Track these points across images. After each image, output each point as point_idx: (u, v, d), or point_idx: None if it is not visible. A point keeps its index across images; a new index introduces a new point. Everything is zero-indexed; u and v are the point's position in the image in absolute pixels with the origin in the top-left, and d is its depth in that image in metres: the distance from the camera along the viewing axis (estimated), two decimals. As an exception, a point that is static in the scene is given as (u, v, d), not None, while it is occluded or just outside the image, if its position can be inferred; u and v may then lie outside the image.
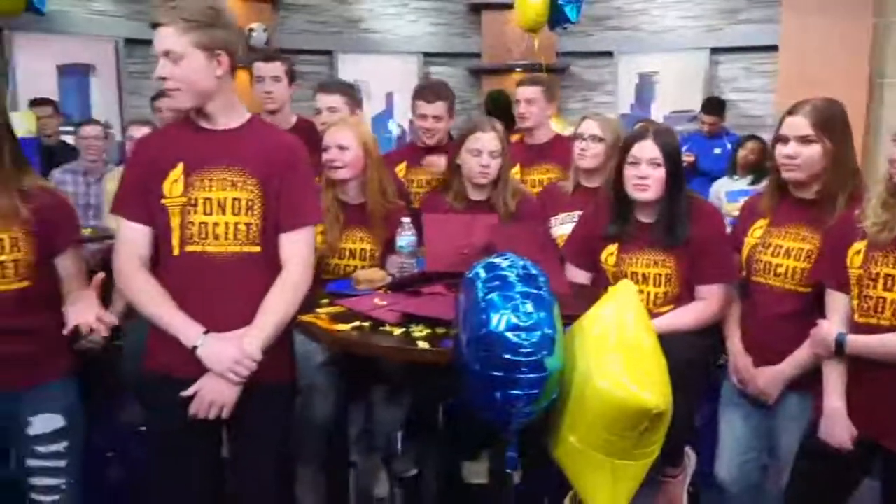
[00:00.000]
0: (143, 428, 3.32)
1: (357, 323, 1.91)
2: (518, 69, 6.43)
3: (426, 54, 6.98)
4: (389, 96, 7.01)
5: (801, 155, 1.91)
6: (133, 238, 1.79)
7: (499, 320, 1.49)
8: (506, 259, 1.63)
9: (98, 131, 4.29)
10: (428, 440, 2.54)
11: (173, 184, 1.77)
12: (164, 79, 1.71)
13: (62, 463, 1.92)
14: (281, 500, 1.98)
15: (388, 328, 1.88)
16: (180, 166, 1.77)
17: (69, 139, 4.85)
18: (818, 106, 1.92)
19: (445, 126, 3.11)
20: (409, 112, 6.77)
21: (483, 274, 1.60)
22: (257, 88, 3.04)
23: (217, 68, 1.73)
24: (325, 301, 2.10)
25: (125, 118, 5.51)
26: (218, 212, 1.76)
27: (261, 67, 3.02)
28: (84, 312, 1.80)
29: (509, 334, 1.48)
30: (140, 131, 3.90)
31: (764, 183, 2.27)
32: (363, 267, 2.43)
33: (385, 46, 6.93)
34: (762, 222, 2.08)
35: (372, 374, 2.41)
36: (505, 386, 1.49)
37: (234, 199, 1.77)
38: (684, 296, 2.13)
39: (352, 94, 2.92)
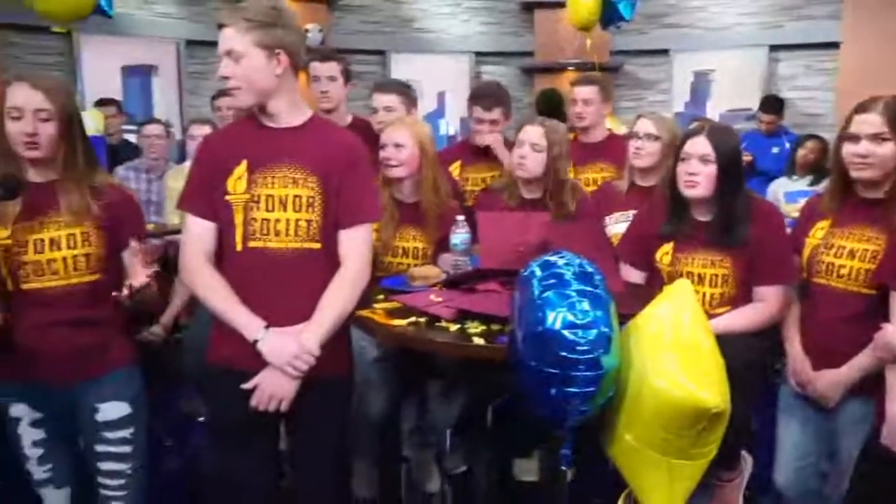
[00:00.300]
0: (202, 419, 3.44)
1: (413, 318, 1.94)
2: (570, 68, 6.39)
3: (478, 53, 7.00)
4: (441, 95, 7.05)
5: (874, 154, 1.87)
6: (199, 234, 1.84)
7: (555, 318, 1.49)
8: (562, 257, 1.64)
9: (160, 130, 4.43)
10: (478, 437, 2.55)
11: (237, 181, 1.82)
12: (226, 77, 1.77)
13: (128, 449, 1.99)
14: (337, 493, 2.01)
15: (443, 324, 1.90)
16: (244, 164, 1.82)
17: (132, 138, 5.02)
18: (890, 103, 1.87)
19: (501, 129, 3.12)
20: (460, 111, 6.88)
21: (539, 272, 1.61)
22: (314, 88, 3.10)
23: (277, 67, 1.77)
24: (381, 297, 2.14)
25: (185, 117, 5.68)
26: (279, 209, 1.81)
27: (317, 67, 3.07)
28: (136, 275, 1.87)
29: (566, 332, 1.48)
30: (200, 130, 4.02)
31: (824, 183, 2.22)
32: (416, 265, 2.46)
33: (437, 46, 6.97)
34: (824, 223, 2.04)
35: (426, 370, 2.43)
36: (560, 383, 1.50)
37: (296, 196, 1.81)
38: (741, 297, 2.10)
39: (408, 93, 2.95)
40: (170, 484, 3.07)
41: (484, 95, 3.10)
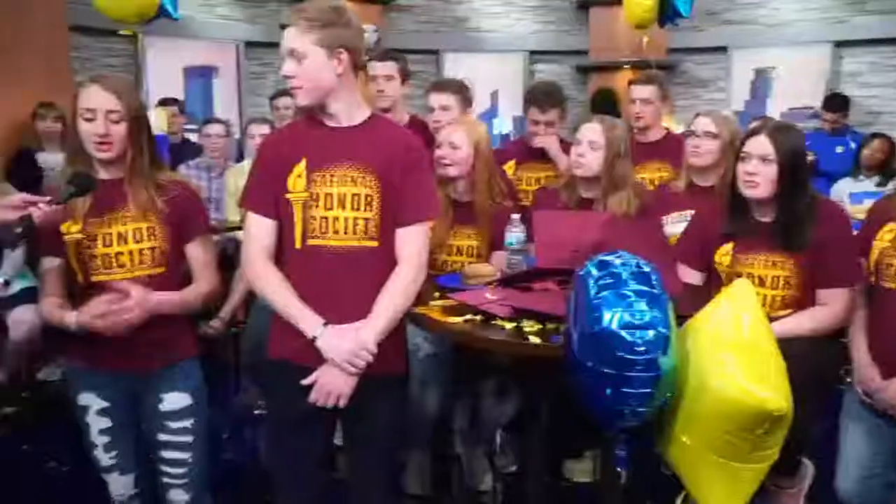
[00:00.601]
0: (258, 411, 3.52)
1: (469, 316, 1.95)
2: (626, 66, 6.32)
3: (532, 52, 6.97)
4: (494, 95, 7.04)
5: None
6: (259, 231, 1.88)
7: (612, 318, 1.48)
8: (619, 257, 1.63)
9: (220, 130, 4.54)
10: (531, 436, 2.55)
11: (297, 179, 1.84)
12: (288, 77, 1.80)
13: (189, 438, 2.05)
14: (390, 489, 2.04)
15: (499, 322, 1.91)
16: (303, 162, 1.85)
17: (192, 136, 5.16)
18: None
19: (557, 130, 3.12)
20: (513, 110, 6.86)
21: (595, 271, 1.60)
22: (371, 87, 3.13)
23: (337, 66, 1.79)
24: (437, 294, 2.15)
25: (244, 116, 5.81)
26: (338, 207, 1.84)
27: (375, 66, 3.10)
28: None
29: (623, 332, 1.47)
30: (259, 129, 4.11)
31: (892, 184, 2.15)
32: (469, 263, 2.47)
33: (490, 45, 6.97)
34: (893, 225, 1.97)
35: (479, 367, 2.44)
36: (617, 384, 1.49)
37: (354, 194, 1.84)
38: (804, 300, 2.05)
39: (464, 92, 2.96)
40: (227, 474, 3.15)
41: (539, 96, 3.09)
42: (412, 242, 1.87)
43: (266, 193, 1.87)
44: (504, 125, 7.06)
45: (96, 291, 1.91)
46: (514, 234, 2.35)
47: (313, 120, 1.90)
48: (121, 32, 3.90)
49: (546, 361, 1.80)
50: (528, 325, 1.87)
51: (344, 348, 1.76)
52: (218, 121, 4.67)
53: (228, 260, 3.79)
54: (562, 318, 1.79)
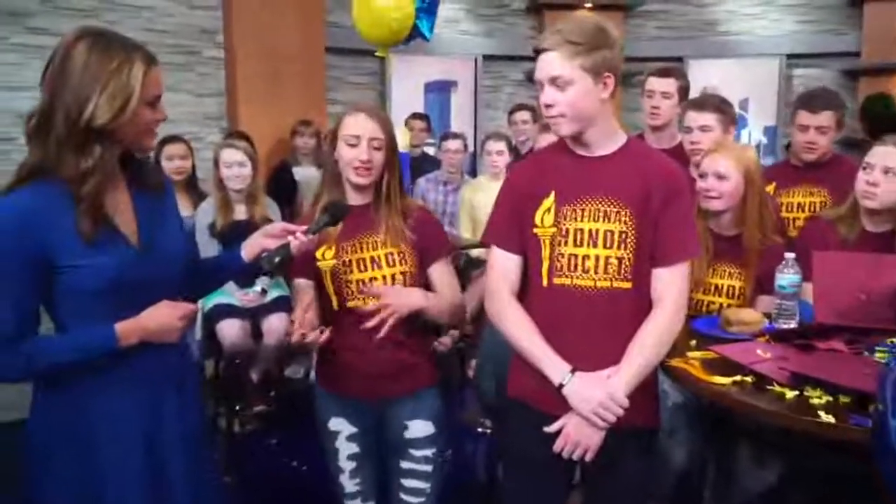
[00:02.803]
0: (480, 430, 3.48)
1: (738, 377, 1.69)
2: (910, 69, 5.47)
3: (789, 56, 6.29)
4: (744, 103, 6.46)
5: None
6: (505, 267, 1.79)
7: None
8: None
9: (459, 145, 4.60)
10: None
11: (545, 213, 1.73)
12: (549, 106, 1.66)
13: (429, 468, 2.03)
14: None
15: (776, 388, 1.63)
16: (552, 195, 1.72)
17: (430, 150, 5.30)
18: None
19: (829, 140, 2.70)
20: (765, 120, 6.24)
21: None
22: (645, 103, 2.94)
23: (602, 91, 1.64)
24: (694, 343, 1.91)
25: (479, 129, 5.86)
26: (589, 244, 1.69)
27: (653, 82, 2.91)
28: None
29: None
30: (496, 146, 4.09)
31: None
32: (729, 305, 2.19)
33: (742, 49, 6.39)
34: None
35: (736, 427, 2.15)
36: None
37: (607, 231, 1.68)
38: None
39: (727, 111, 2.65)
40: (450, 492, 3.14)
41: (810, 98, 2.73)
42: (671, 284, 1.68)
43: (512, 228, 1.77)
44: (754, 136, 6.46)
45: (351, 317, 1.94)
46: (788, 276, 2.03)
47: (562, 149, 1.76)
48: (377, 54, 4.08)
49: (840, 443, 1.49)
50: (815, 396, 1.57)
51: (593, 399, 1.62)
52: (456, 136, 4.73)
53: (462, 274, 3.80)
54: (861, 393, 1.48)
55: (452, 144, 4.58)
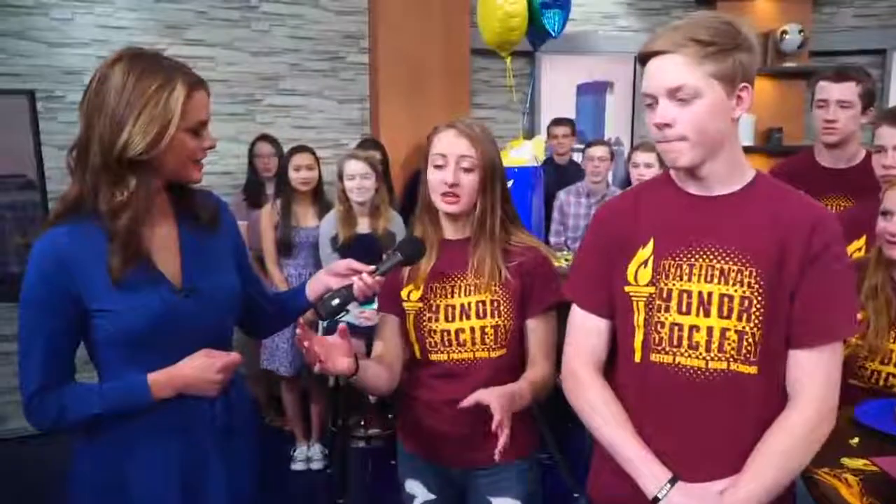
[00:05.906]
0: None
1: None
2: None
3: None
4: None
5: None
6: (588, 332, 1.44)
7: None
8: None
9: (603, 152, 4.19)
10: None
11: (640, 267, 1.36)
12: (665, 125, 1.28)
13: None
14: None
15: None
16: (651, 244, 1.35)
17: (577, 157, 4.91)
18: None
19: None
20: None
21: None
22: (817, 115, 2.43)
23: (735, 107, 1.26)
24: (857, 440, 1.46)
25: (635, 135, 5.39)
26: (699, 312, 1.30)
27: (827, 88, 2.38)
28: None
29: None
30: (645, 158, 3.65)
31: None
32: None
33: (962, 39, 5.39)
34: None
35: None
36: None
37: (723, 295, 1.28)
38: None
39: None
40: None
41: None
42: (817, 372, 1.26)
43: (599, 283, 1.41)
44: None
45: (433, 369, 1.69)
46: None
47: (668, 184, 1.38)
48: (503, 55, 3.81)
49: None
50: None
51: None
52: (602, 142, 4.34)
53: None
54: None
55: (597, 152, 4.17)
